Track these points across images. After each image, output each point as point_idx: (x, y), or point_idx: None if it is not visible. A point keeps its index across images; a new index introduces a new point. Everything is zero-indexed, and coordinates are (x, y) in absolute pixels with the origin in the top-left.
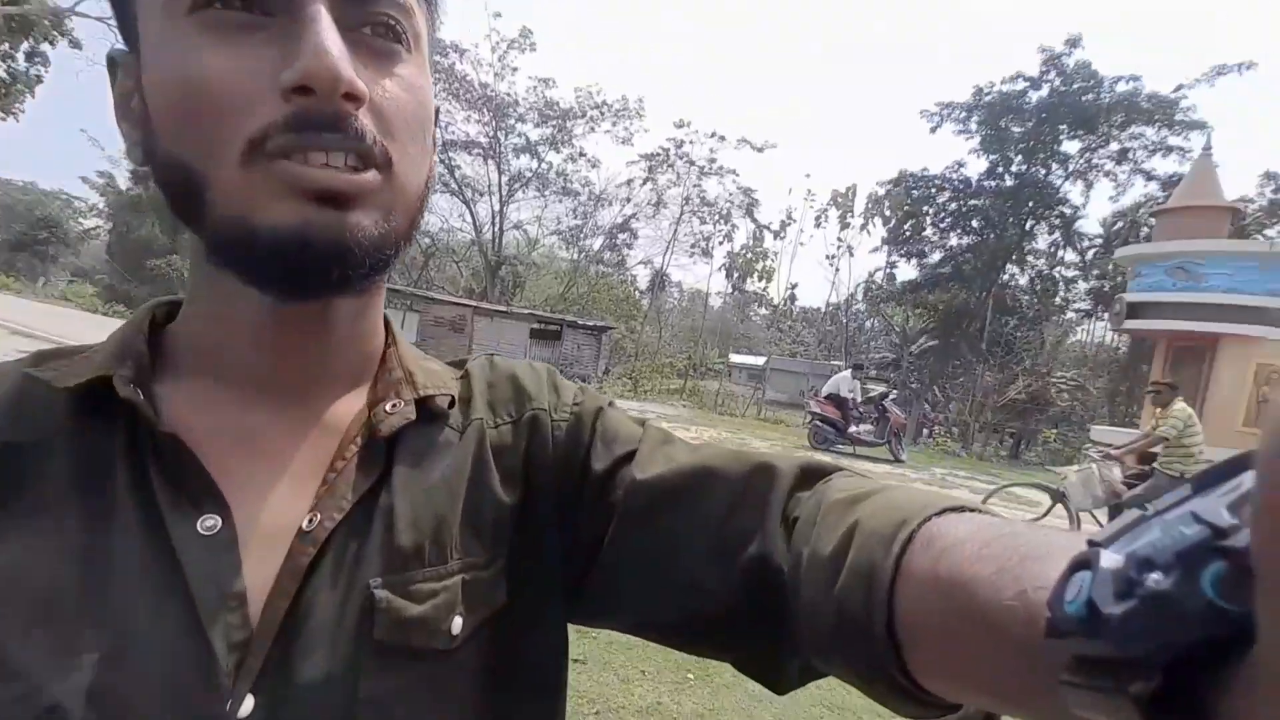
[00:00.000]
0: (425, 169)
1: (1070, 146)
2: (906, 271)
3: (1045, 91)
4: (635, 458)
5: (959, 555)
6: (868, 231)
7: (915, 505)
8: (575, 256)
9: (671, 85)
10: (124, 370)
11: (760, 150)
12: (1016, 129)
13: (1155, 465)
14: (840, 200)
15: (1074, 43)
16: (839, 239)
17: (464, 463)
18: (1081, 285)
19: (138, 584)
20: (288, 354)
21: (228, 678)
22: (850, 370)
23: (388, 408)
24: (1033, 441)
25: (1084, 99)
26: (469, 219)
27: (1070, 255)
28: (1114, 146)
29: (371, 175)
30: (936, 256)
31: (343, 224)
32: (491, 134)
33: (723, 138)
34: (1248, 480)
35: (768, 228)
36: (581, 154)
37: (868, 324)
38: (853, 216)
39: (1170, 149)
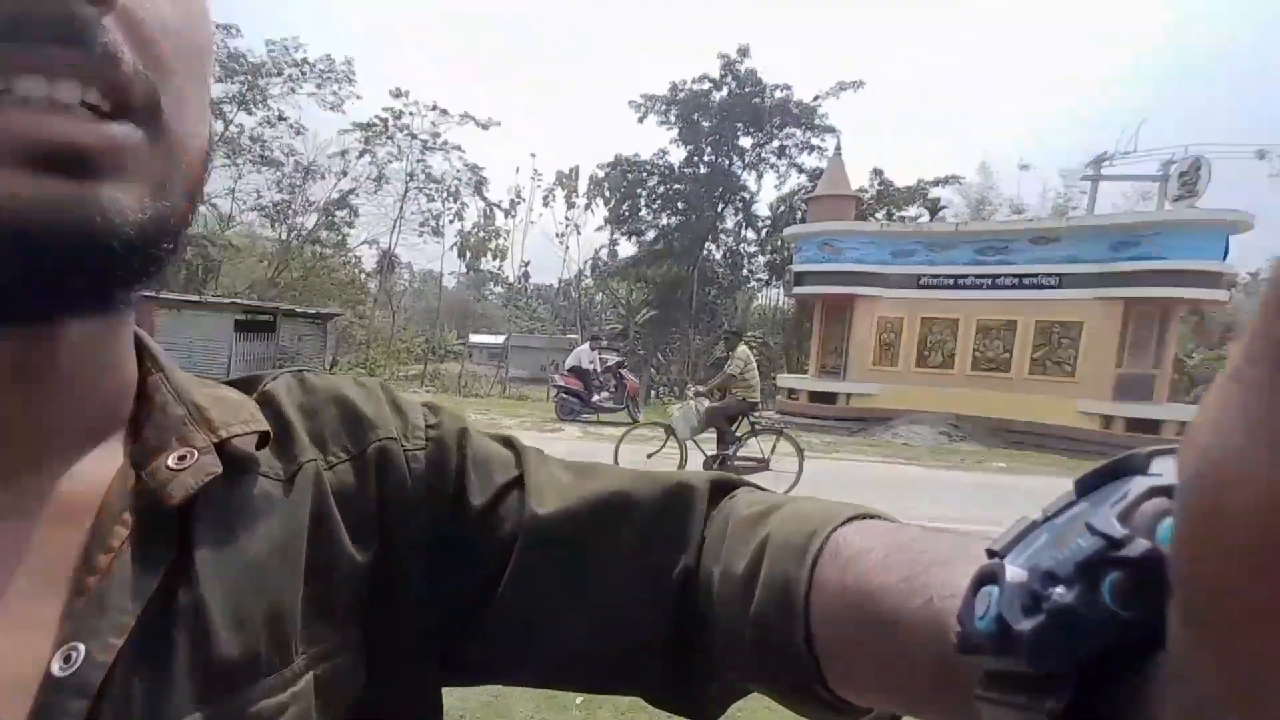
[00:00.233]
0: (206, 122)
1: (745, 141)
2: (628, 249)
3: (725, 93)
4: (525, 487)
5: (865, 564)
6: (591, 211)
7: (823, 515)
8: (284, 236)
9: (386, 52)
10: None
11: (485, 127)
12: (705, 124)
13: (730, 394)
14: (565, 181)
15: (744, 52)
16: (566, 218)
17: (298, 521)
18: (760, 259)
19: None
20: None
21: None
22: (589, 343)
23: (170, 462)
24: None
25: (753, 101)
26: None
27: (751, 234)
28: (776, 143)
29: (128, 127)
30: (651, 235)
31: (87, 203)
32: None
33: (444, 111)
34: (1134, 488)
35: (498, 206)
36: (281, 118)
37: (597, 298)
38: (577, 197)
39: (814, 148)
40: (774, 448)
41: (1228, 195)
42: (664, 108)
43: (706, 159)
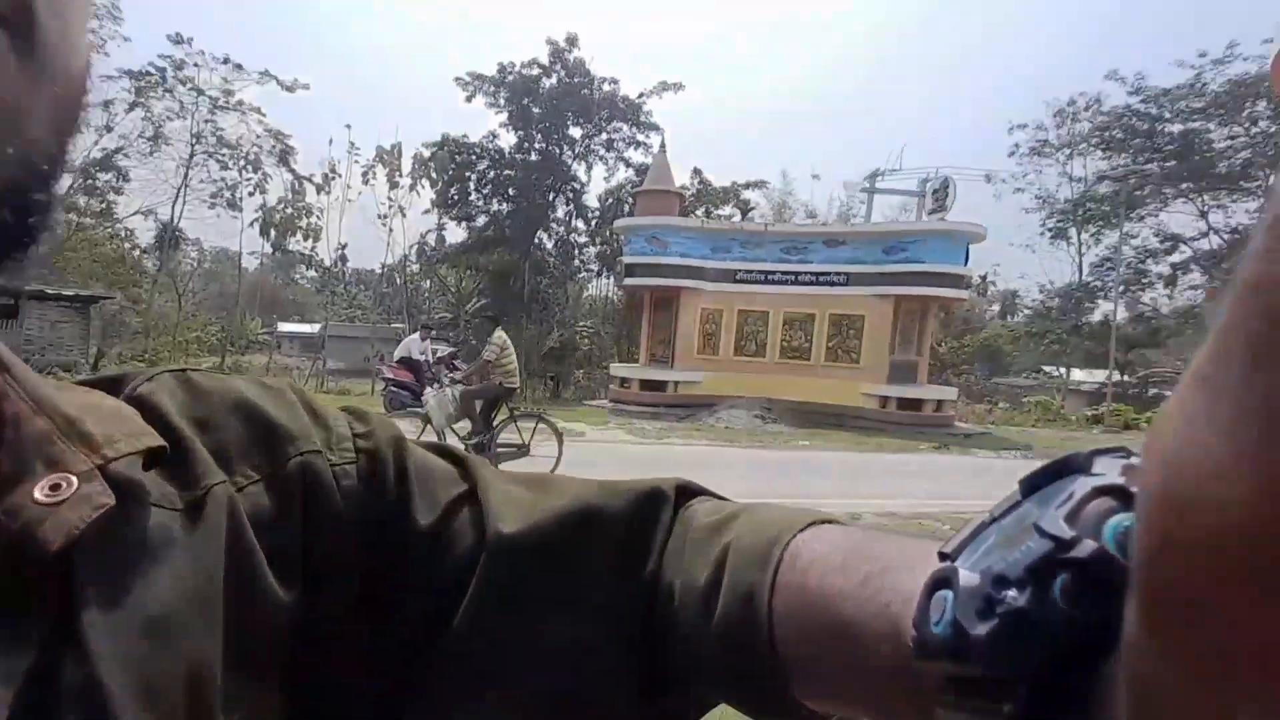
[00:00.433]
0: (85, 37)
1: (575, 132)
2: (457, 234)
3: (555, 80)
4: (482, 502)
5: (824, 569)
6: (417, 192)
7: (784, 522)
8: None
9: None
10: None
11: (290, 89)
12: (536, 110)
13: (488, 379)
14: (387, 158)
15: (573, 41)
16: (389, 198)
17: (209, 560)
18: (591, 250)
19: None
20: None
21: None
22: (420, 332)
23: (39, 495)
24: (568, 382)
25: (582, 92)
26: None
27: (581, 224)
28: (604, 136)
29: None
30: (482, 221)
31: None
32: None
33: (239, 66)
34: (1079, 489)
35: (309, 180)
36: None
37: (425, 285)
38: (401, 176)
39: (640, 143)
40: (534, 432)
41: (966, 210)
42: (493, 89)
43: (538, 146)
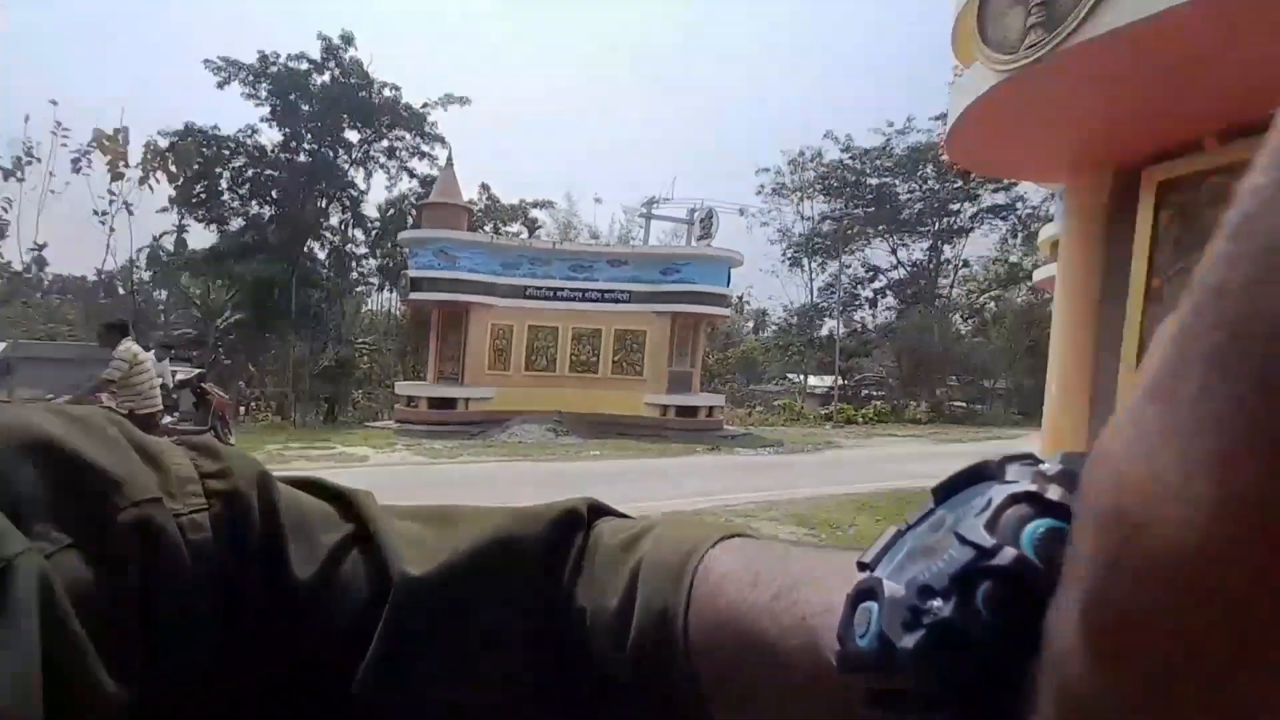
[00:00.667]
0: None
1: (353, 136)
2: (205, 237)
3: (328, 78)
4: (378, 543)
5: (736, 583)
6: (150, 187)
7: (694, 537)
8: None
9: None
10: None
11: None
12: (306, 107)
13: (111, 405)
14: (108, 144)
15: (348, 39)
16: (111, 191)
17: (21, 653)
18: (372, 262)
19: None
20: None
21: None
22: (155, 351)
23: None
24: (345, 404)
25: (360, 95)
26: None
27: (360, 234)
28: (385, 143)
29: None
30: (237, 224)
31: None
32: None
33: None
34: (995, 495)
35: None
36: None
37: (160, 295)
38: (128, 166)
39: (425, 154)
40: None
41: (726, 239)
42: (252, 79)
43: (308, 146)
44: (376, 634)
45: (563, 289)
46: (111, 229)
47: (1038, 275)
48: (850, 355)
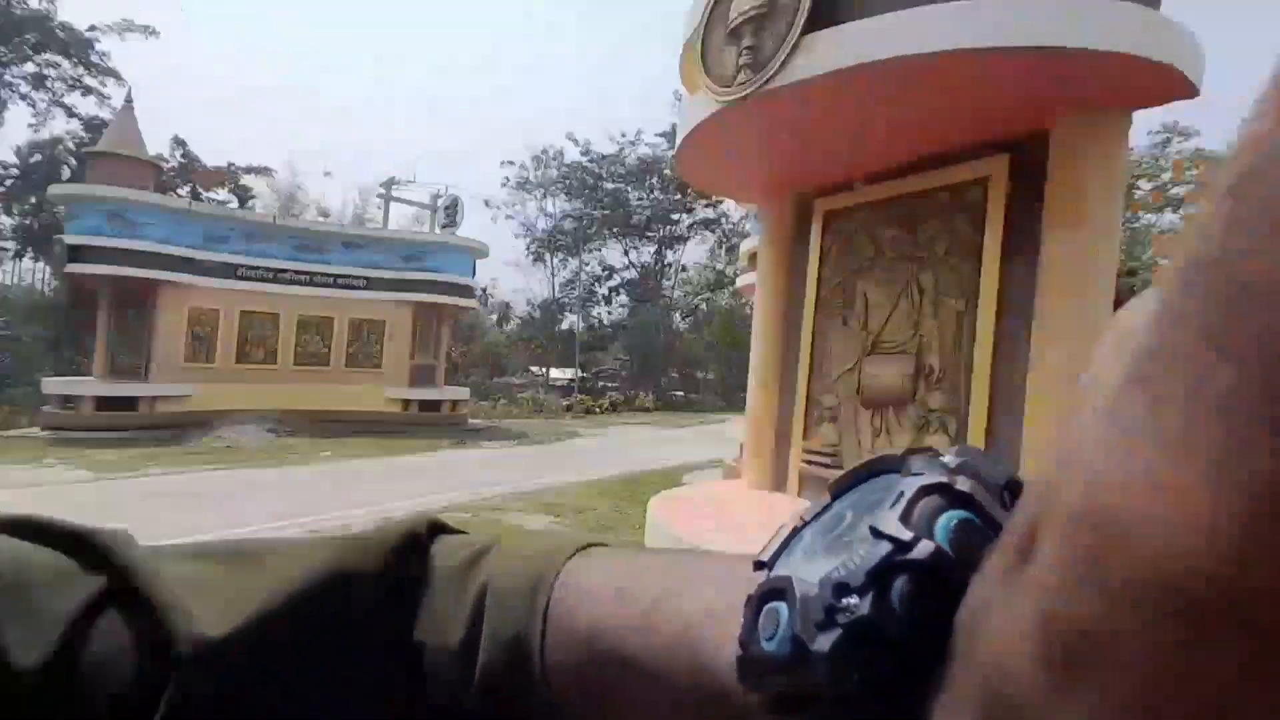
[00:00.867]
0: None
1: None
2: None
3: None
4: (145, 602)
5: (599, 599)
6: None
7: (545, 553)
8: None
9: None
10: None
11: None
12: None
13: None
14: None
15: None
16: None
17: None
18: (5, 220)
19: None
20: None
21: None
22: None
23: None
24: None
25: None
26: None
27: None
28: (30, 68)
29: None
30: None
31: None
32: None
33: None
34: (907, 488)
35: None
36: None
37: None
38: None
39: (90, 90)
40: None
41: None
42: None
43: None
44: (158, 717)
45: (286, 270)
46: None
47: (740, 281)
48: (589, 349)
